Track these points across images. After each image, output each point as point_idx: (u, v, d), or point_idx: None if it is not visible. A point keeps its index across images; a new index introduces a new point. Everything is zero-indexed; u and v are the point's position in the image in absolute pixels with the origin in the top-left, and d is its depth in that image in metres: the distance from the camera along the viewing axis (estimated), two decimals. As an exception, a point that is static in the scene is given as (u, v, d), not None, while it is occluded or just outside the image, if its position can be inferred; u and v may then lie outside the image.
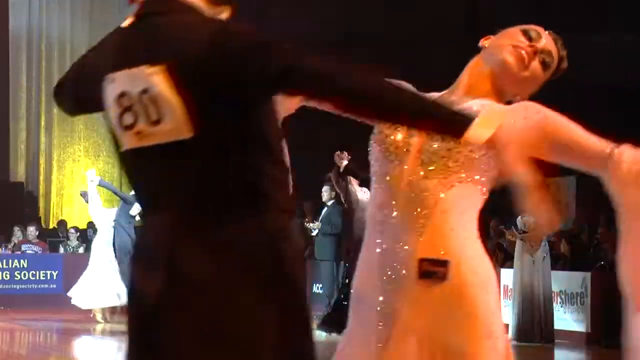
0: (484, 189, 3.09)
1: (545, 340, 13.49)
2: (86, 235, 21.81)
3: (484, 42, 3.33)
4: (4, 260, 18.91)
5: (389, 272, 3.04)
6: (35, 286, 18.81)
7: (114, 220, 15.60)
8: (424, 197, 3.02)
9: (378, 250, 3.07)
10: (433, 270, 2.96)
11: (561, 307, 13.96)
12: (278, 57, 2.40)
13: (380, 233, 3.07)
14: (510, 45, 3.21)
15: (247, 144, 2.45)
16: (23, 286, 18.91)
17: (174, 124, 2.41)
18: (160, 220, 2.46)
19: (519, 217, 13.81)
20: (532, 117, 3.10)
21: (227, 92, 2.41)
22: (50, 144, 23.99)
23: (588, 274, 13.78)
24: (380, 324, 3.03)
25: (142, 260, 2.50)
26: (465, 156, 3.04)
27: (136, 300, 2.49)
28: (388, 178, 3.08)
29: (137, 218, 15.75)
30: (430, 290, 2.98)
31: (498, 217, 16.15)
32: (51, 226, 23.03)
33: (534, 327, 13.51)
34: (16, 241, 19.85)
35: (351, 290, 3.19)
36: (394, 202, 3.05)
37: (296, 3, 22.53)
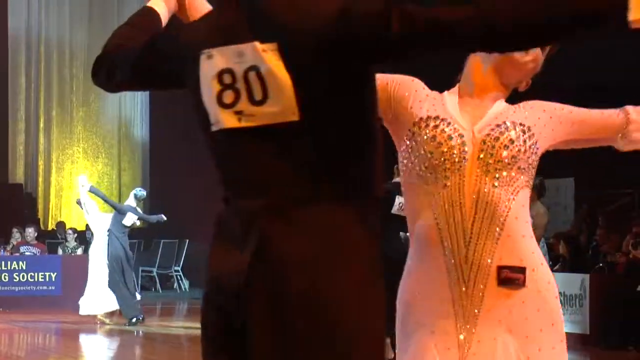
0: (531, 183, 3.20)
1: (544, 342, 13.49)
2: (84, 236, 21.81)
3: None
4: (3, 262, 18.90)
5: (464, 281, 3.08)
6: (34, 288, 18.80)
7: (108, 229, 15.59)
8: (496, 206, 3.07)
9: (442, 261, 3.09)
10: (513, 277, 3.03)
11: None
12: (403, 20, 2.24)
13: (441, 244, 3.08)
14: None
15: (350, 128, 2.36)
16: (22, 288, 18.90)
17: (281, 106, 2.31)
18: (252, 203, 2.35)
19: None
20: (554, 112, 3.31)
21: (342, 71, 2.31)
22: (49, 146, 23.99)
23: (587, 276, 13.78)
24: (462, 334, 3.07)
25: (228, 243, 2.39)
26: (527, 162, 3.14)
27: (219, 287, 2.42)
28: (447, 186, 3.09)
29: (130, 226, 15.77)
30: (511, 296, 3.05)
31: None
32: (50, 228, 23.04)
33: (533, 328, 13.52)
34: (15, 243, 19.84)
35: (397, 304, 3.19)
36: (458, 212, 3.08)
37: None
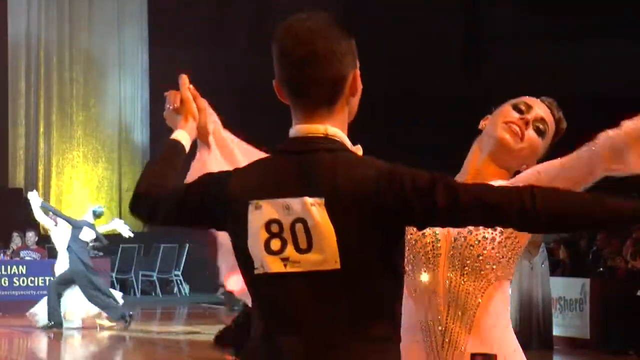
0: (511, 275, 3.30)
1: (544, 347, 13.49)
2: (85, 241, 21.80)
3: (483, 124, 3.48)
4: (3, 267, 18.91)
5: None
6: (34, 292, 18.78)
7: (68, 245, 15.68)
8: (465, 300, 3.22)
9: (422, 346, 3.26)
10: None
11: (560, 313, 13.96)
12: (444, 195, 2.54)
13: (420, 331, 3.27)
14: (503, 123, 3.39)
15: (384, 277, 2.61)
16: (22, 292, 18.90)
17: (324, 255, 2.56)
18: (291, 344, 2.59)
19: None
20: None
21: (381, 229, 2.57)
22: (49, 150, 23.99)
23: (587, 280, 13.78)
24: None
25: None
26: (499, 258, 3.22)
27: None
28: (423, 281, 3.25)
29: (92, 241, 15.88)
30: None
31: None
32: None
33: (533, 333, 13.51)
34: (15, 247, 19.84)
35: None
36: (435, 304, 3.24)
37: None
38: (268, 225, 2.59)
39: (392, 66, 21.14)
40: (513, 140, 3.31)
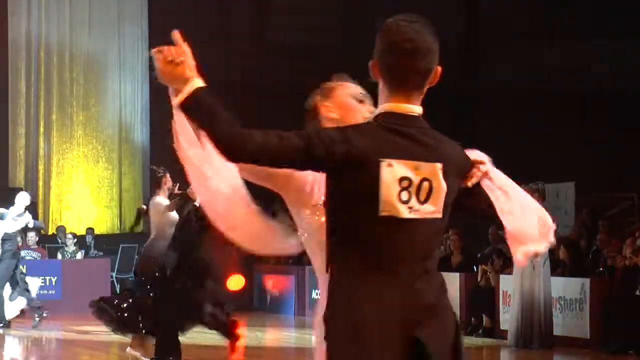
0: None
1: (545, 346, 13.49)
2: (84, 241, 21.81)
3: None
4: (3, 266, 18.87)
5: None
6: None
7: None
8: None
9: None
10: None
11: (560, 313, 13.96)
12: None
13: None
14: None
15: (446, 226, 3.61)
16: (22, 292, 18.85)
17: (435, 207, 3.45)
18: (409, 270, 3.45)
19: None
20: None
21: (456, 191, 3.54)
22: (49, 150, 23.98)
23: (587, 280, 13.78)
24: None
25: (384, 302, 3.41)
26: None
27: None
28: None
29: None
30: None
31: (497, 223, 16.13)
32: (50, 232, 23.03)
33: (534, 332, 13.50)
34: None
35: None
36: None
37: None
38: (401, 180, 3.37)
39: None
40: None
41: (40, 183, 23.91)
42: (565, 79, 19.74)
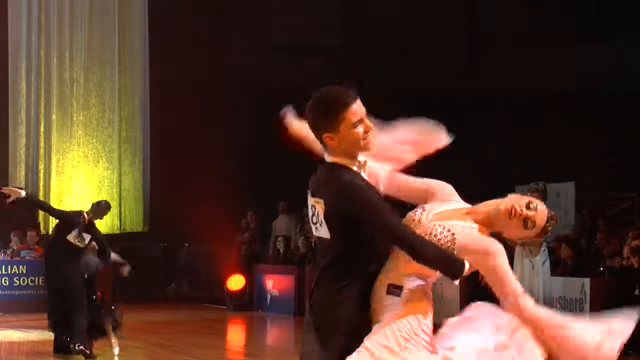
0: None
1: (545, 346, 13.48)
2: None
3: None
4: (3, 266, 18.91)
5: None
6: (34, 292, 18.79)
7: None
8: None
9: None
10: None
11: (560, 313, 13.96)
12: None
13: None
14: (511, 205, 4.59)
15: (350, 248, 4.48)
16: (22, 292, 18.90)
17: (325, 231, 4.50)
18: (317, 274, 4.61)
19: (518, 223, 13.82)
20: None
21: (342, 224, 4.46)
22: (50, 150, 23.99)
23: (587, 280, 13.78)
24: None
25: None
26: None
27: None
28: None
29: None
30: None
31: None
32: (50, 232, 23.03)
33: (533, 332, 13.51)
34: (15, 247, 19.84)
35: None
36: None
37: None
38: (311, 208, 4.60)
39: (392, 65, 21.15)
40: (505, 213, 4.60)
41: (41, 183, 23.92)
42: (565, 78, 19.74)
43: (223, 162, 21.54)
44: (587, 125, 19.07)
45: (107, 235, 17.44)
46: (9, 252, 19.75)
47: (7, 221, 20.93)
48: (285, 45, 23.22)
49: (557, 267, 14.50)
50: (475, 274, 4.49)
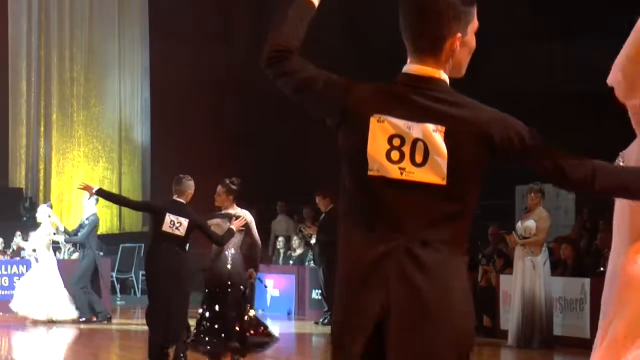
0: None
1: (545, 346, 13.48)
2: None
3: None
4: (3, 266, 18.88)
5: None
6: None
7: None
8: None
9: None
10: None
11: (560, 313, 13.95)
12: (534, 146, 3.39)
13: None
14: None
15: (471, 196, 3.25)
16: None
17: (435, 172, 3.17)
18: (394, 234, 3.19)
19: (519, 222, 13.82)
20: None
21: (483, 159, 3.24)
22: (50, 150, 24.00)
23: (587, 280, 13.77)
24: None
25: (362, 267, 3.26)
26: None
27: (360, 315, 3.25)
28: None
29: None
30: None
31: (497, 222, 16.15)
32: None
33: (535, 332, 13.49)
34: (15, 247, 19.83)
35: None
36: None
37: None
38: (392, 138, 3.18)
39: (392, 66, 21.12)
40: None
41: (41, 183, 23.92)
42: (565, 78, 19.74)
43: (223, 162, 21.55)
44: (587, 125, 19.08)
45: (107, 236, 17.46)
46: (9, 252, 19.74)
47: (7, 221, 20.93)
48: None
49: (557, 267, 14.49)
50: None
